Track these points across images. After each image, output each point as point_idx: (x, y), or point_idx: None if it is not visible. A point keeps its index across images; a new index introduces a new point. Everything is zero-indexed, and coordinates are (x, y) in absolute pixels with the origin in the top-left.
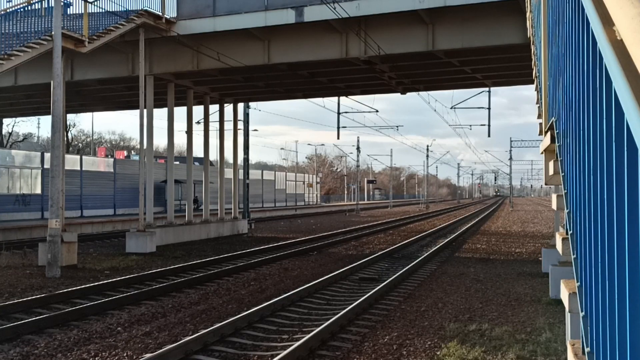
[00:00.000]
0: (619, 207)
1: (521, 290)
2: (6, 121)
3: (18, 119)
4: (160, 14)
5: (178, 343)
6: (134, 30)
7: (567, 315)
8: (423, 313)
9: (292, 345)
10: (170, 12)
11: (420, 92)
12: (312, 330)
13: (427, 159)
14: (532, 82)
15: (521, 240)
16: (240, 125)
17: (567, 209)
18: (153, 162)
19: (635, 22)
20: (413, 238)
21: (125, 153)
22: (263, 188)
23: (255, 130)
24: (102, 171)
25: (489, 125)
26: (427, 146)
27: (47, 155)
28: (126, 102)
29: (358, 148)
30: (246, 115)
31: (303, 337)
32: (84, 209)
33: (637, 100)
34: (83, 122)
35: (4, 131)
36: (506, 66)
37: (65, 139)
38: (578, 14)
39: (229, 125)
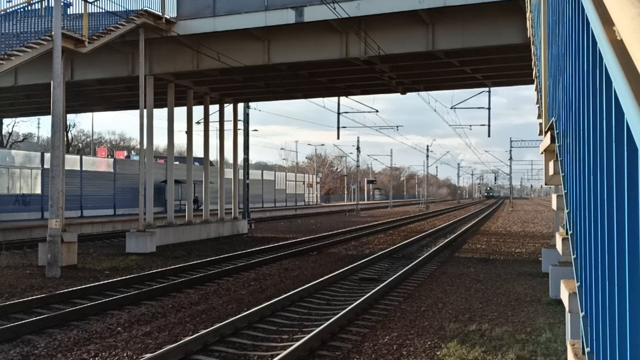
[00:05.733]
0: (619, 207)
1: (521, 290)
2: (6, 121)
3: (18, 119)
4: (160, 14)
5: (178, 343)
6: (134, 31)
7: (567, 315)
8: (423, 313)
9: (292, 345)
10: (170, 12)
11: (420, 92)
12: (312, 331)
13: (427, 159)
14: (532, 82)
15: (521, 241)
16: (240, 125)
17: (567, 209)
18: (153, 162)
19: (635, 22)
20: (413, 238)
21: (125, 153)
22: (263, 188)
23: (255, 130)
24: (102, 171)
25: (489, 125)
26: (427, 146)
27: (47, 155)
28: (126, 102)
29: (358, 148)
30: (246, 115)
31: (303, 337)
32: (84, 209)
33: (637, 100)
34: (83, 122)
35: (4, 131)
36: (506, 66)
37: (65, 139)
38: (578, 14)
39: (229, 126)
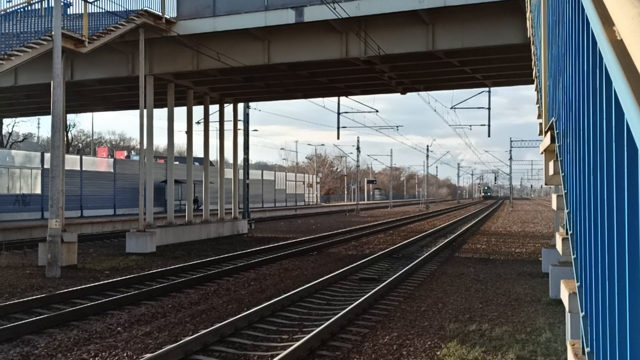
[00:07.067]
0: (619, 207)
1: (521, 290)
2: (6, 121)
3: (18, 119)
4: (160, 14)
5: (178, 343)
6: (134, 31)
7: (567, 315)
8: (423, 313)
9: (292, 345)
10: (170, 12)
11: (420, 92)
12: (312, 331)
13: (427, 159)
14: (532, 82)
15: (521, 240)
16: (240, 125)
17: (567, 209)
18: (153, 162)
19: (635, 22)
20: (413, 238)
21: (125, 153)
22: (263, 188)
23: (255, 130)
24: (102, 171)
25: (489, 125)
26: (427, 146)
27: (47, 155)
28: (126, 102)
29: (358, 148)
30: (246, 115)
31: (303, 337)
32: (84, 209)
33: (637, 100)
34: (83, 122)
35: (4, 131)
36: (506, 66)
37: (65, 139)
38: (578, 14)
39: (229, 126)
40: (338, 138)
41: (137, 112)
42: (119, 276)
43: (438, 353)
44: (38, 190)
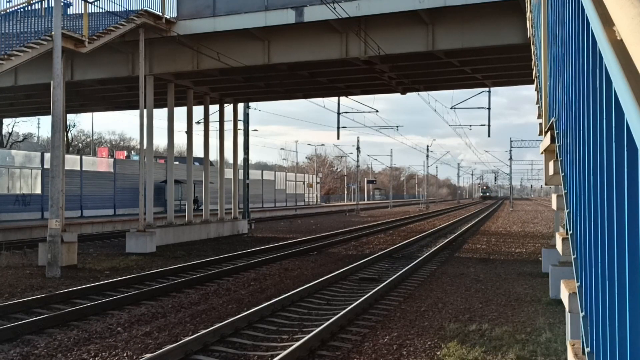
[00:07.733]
0: (619, 207)
1: (521, 290)
2: (6, 121)
3: (18, 119)
4: (160, 14)
5: (178, 343)
6: (134, 31)
7: (567, 315)
8: (423, 313)
9: (292, 345)
10: (170, 12)
11: (420, 92)
12: (312, 331)
13: (427, 159)
14: (532, 82)
15: (521, 240)
16: (240, 125)
17: (567, 209)
18: (153, 162)
19: (635, 22)
20: (413, 238)
21: (125, 153)
22: (263, 188)
23: (255, 130)
24: (102, 171)
25: (489, 125)
26: (427, 146)
27: (47, 155)
28: (126, 102)
29: (358, 148)
30: (246, 115)
31: (303, 337)
32: (84, 209)
33: (637, 100)
34: (83, 122)
35: (4, 131)
36: (506, 66)
37: (65, 139)
38: (578, 14)
39: (229, 126)
40: (338, 138)
41: (137, 112)
42: (119, 276)
43: (438, 353)
44: (38, 190)
